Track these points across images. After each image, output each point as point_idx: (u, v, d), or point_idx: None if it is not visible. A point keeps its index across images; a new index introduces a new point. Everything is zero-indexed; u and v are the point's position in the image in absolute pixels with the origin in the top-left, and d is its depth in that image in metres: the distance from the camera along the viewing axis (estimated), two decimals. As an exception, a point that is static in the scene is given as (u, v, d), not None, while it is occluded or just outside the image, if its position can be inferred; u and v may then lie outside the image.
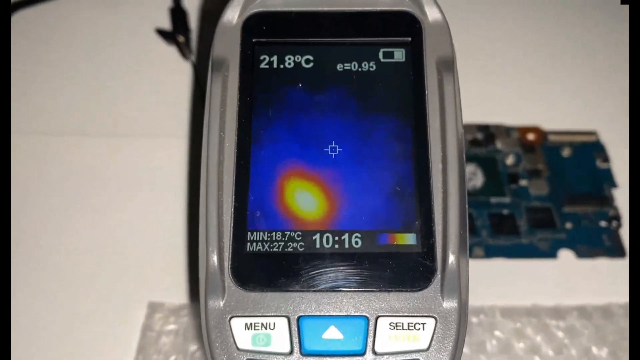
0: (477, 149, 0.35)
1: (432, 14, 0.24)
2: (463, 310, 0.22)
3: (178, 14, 0.38)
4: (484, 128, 0.35)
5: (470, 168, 0.34)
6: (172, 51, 0.38)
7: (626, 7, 0.40)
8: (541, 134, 0.35)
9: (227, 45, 0.24)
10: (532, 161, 0.34)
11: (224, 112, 0.23)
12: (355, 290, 0.22)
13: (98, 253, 0.32)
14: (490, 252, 0.32)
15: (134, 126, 0.36)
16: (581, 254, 0.32)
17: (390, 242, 0.22)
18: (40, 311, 0.30)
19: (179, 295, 0.31)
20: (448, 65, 0.24)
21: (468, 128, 0.35)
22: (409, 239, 0.22)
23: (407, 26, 0.24)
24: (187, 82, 0.36)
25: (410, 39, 0.24)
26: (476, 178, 0.34)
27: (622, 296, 0.30)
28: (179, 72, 0.37)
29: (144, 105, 0.36)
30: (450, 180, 0.22)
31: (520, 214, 0.33)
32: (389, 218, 0.22)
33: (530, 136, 0.35)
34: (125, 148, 0.35)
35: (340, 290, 0.22)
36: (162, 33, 0.38)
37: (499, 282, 0.31)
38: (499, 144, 0.35)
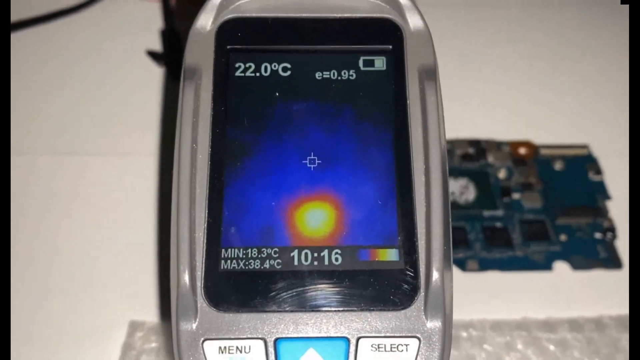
0: (468, 163, 0.33)
1: (413, 21, 0.23)
2: (447, 329, 0.20)
3: (170, 36, 0.38)
4: (475, 143, 0.34)
5: (462, 182, 0.33)
6: (159, 72, 0.37)
7: (615, 22, 0.39)
8: (532, 148, 0.34)
9: (200, 53, 0.23)
10: (524, 175, 0.33)
11: (196, 123, 0.22)
12: (335, 310, 0.20)
13: (77, 272, 0.30)
14: (485, 265, 0.30)
15: (112, 144, 0.34)
16: (577, 265, 0.30)
17: (372, 258, 0.21)
18: (21, 331, 0.28)
19: (160, 313, 0.29)
20: (430, 74, 0.22)
21: (459, 143, 0.34)
22: (391, 254, 0.21)
23: (388, 34, 0.23)
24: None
25: (391, 46, 0.23)
26: (468, 192, 0.33)
27: (620, 307, 0.29)
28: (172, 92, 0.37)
29: (120, 124, 0.35)
30: (433, 193, 0.21)
31: (514, 226, 0.32)
32: (370, 233, 0.21)
33: (522, 150, 0.34)
34: (104, 166, 0.34)
35: (319, 310, 0.20)
36: (153, 55, 0.38)
37: (493, 295, 0.29)
38: (490, 158, 0.34)
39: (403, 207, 0.21)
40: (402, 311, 0.20)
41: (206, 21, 0.23)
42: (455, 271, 0.30)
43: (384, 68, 0.23)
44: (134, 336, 0.29)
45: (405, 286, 0.20)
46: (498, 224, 0.32)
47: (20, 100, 0.36)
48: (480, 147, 0.34)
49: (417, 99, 0.22)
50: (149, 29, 0.39)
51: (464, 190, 0.33)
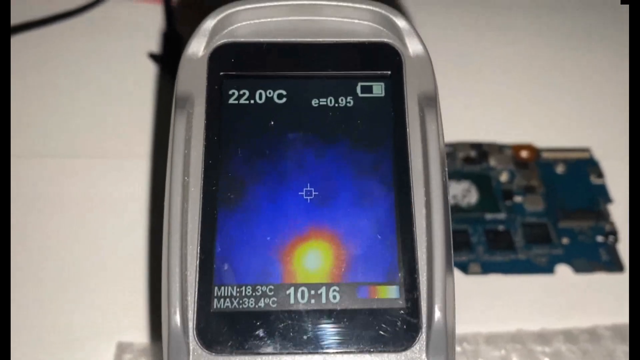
0: (470, 166, 0.33)
1: (412, 45, 0.22)
2: None
3: (172, 38, 0.37)
4: (477, 146, 0.34)
5: (464, 185, 0.33)
6: (161, 75, 0.37)
7: (616, 25, 0.39)
8: (534, 151, 0.34)
9: (192, 80, 0.22)
10: (526, 178, 0.33)
11: (188, 154, 0.21)
12: (333, 352, 0.19)
13: (63, 290, 0.29)
14: (487, 268, 0.30)
15: (113, 147, 0.34)
16: (579, 268, 0.30)
17: (371, 295, 0.20)
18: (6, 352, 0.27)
19: (150, 333, 0.28)
20: (430, 100, 0.21)
21: (461, 146, 0.34)
22: (391, 292, 0.20)
23: (387, 59, 0.22)
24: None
25: (390, 72, 0.22)
26: (470, 195, 0.32)
27: (622, 310, 0.29)
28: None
29: (122, 126, 0.34)
30: (434, 227, 0.20)
31: (516, 230, 0.31)
32: (369, 269, 0.20)
33: (524, 154, 0.33)
34: (96, 170, 0.33)
35: (316, 352, 0.19)
36: (154, 57, 0.37)
37: (495, 298, 0.29)
38: (492, 162, 0.33)
39: (403, 242, 0.20)
40: (403, 352, 0.19)
41: (198, 47, 0.22)
42: (458, 274, 0.30)
43: (383, 94, 0.22)
44: (122, 358, 0.27)
45: (406, 326, 0.19)
46: (500, 227, 0.32)
47: (19, 103, 0.35)
48: (482, 150, 0.34)
49: (417, 127, 0.21)
50: (150, 32, 0.38)
51: (466, 193, 0.33)
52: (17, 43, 0.37)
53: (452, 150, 0.34)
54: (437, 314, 0.19)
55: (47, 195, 0.32)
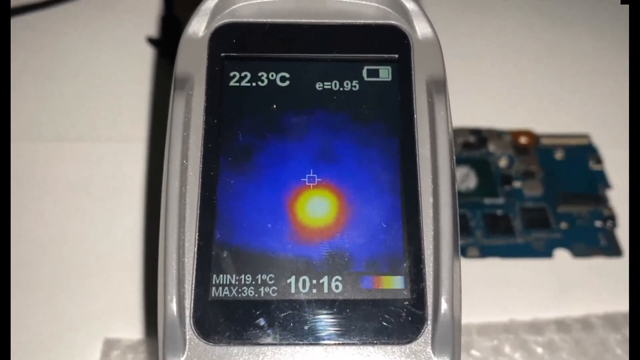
0: (469, 151, 0.33)
1: (421, 28, 0.21)
2: None
3: (170, 23, 0.37)
4: (477, 132, 0.33)
5: (463, 170, 0.32)
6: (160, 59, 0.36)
7: (617, 11, 0.39)
8: (533, 137, 0.33)
9: (192, 61, 0.21)
10: (525, 163, 0.32)
11: (187, 137, 0.20)
12: (334, 344, 0.18)
13: (51, 283, 0.28)
14: (486, 252, 0.30)
15: (113, 131, 0.33)
16: (577, 253, 0.30)
17: (375, 286, 0.19)
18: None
19: (137, 330, 0.27)
20: (439, 85, 0.21)
21: (461, 131, 0.33)
22: (395, 282, 0.19)
23: (394, 42, 0.21)
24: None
25: (397, 55, 0.21)
26: (469, 180, 0.32)
27: (620, 294, 0.29)
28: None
29: (122, 110, 0.34)
30: (442, 215, 0.19)
31: (515, 214, 0.31)
32: (374, 259, 0.19)
33: (523, 139, 0.33)
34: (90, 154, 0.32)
35: (317, 344, 0.18)
36: (153, 42, 0.37)
37: (494, 280, 0.29)
38: (491, 147, 0.33)
39: (409, 231, 0.19)
40: (408, 345, 0.18)
41: (199, 26, 0.21)
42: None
43: (390, 79, 0.21)
44: (110, 355, 0.26)
45: (411, 317, 0.19)
46: (499, 212, 0.31)
47: (17, 86, 0.35)
48: (481, 136, 0.33)
49: (425, 113, 0.20)
50: (149, 16, 0.38)
51: (465, 178, 0.33)
52: (17, 25, 0.37)
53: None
54: (444, 306, 0.18)
55: (43, 180, 0.31)
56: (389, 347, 0.18)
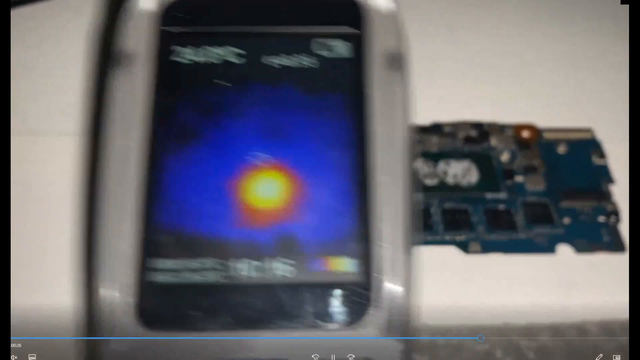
0: (471, 145, 0.32)
1: (382, 1, 0.21)
2: (408, 349, 0.18)
3: None
4: (478, 126, 0.33)
5: (464, 164, 0.32)
6: None
7: (619, 4, 0.38)
8: (536, 131, 0.32)
9: (135, 36, 0.20)
10: (527, 158, 0.32)
11: (128, 116, 0.19)
12: (281, 329, 0.18)
13: None
14: (487, 248, 0.29)
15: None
16: (580, 248, 0.29)
17: (324, 268, 0.19)
18: None
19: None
20: (396, 60, 0.20)
21: (462, 125, 0.33)
22: (346, 264, 0.19)
23: (352, 16, 0.21)
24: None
25: (353, 29, 0.21)
26: (470, 174, 0.32)
27: (622, 290, 0.28)
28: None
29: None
30: (395, 197, 0.19)
31: (517, 209, 0.31)
32: (324, 241, 0.19)
33: (525, 134, 0.32)
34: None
35: (264, 329, 0.18)
36: None
37: (496, 278, 0.29)
38: (493, 141, 0.32)
39: (360, 211, 0.19)
40: (356, 329, 0.18)
41: (144, 0, 0.20)
42: (458, 253, 0.30)
43: (344, 53, 0.21)
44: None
45: (361, 300, 0.18)
46: (501, 207, 0.31)
47: (16, 78, 0.35)
48: (483, 130, 0.33)
49: (381, 90, 0.20)
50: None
51: (466, 172, 0.32)
52: (16, 16, 0.37)
53: (453, 130, 0.33)
54: (395, 290, 0.18)
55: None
56: (337, 332, 0.18)
